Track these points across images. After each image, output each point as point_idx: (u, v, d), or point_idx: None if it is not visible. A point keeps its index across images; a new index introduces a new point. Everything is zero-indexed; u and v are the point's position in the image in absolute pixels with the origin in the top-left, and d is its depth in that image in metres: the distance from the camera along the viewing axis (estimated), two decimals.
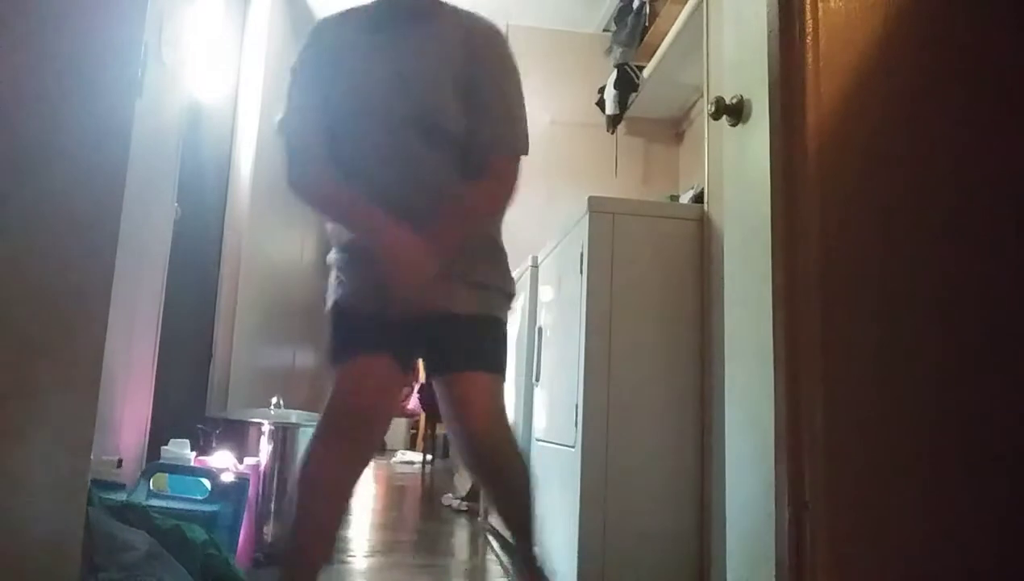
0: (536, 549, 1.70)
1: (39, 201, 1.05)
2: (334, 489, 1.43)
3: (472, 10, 1.54)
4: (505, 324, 1.62)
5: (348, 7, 1.58)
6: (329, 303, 1.56)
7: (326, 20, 1.59)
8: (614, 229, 2.14)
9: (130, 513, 1.59)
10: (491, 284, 1.57)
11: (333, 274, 1.58)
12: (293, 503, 1.44)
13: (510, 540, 2.69)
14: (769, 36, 1.20)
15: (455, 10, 1.54)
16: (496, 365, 1.57)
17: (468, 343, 1.52)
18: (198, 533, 1.63)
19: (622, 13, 3.27)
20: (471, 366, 1.52)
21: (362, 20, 1.54)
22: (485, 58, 1.49)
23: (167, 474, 1.93)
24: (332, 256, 1.60)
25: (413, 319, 1.45)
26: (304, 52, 1.57)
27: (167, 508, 1.75)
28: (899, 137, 1.02)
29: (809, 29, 1.15)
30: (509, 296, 1.63)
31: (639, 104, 3.14)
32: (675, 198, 2.73)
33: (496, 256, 1.61)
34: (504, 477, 1.67)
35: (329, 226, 1.61)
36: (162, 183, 2.29)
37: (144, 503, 1.73)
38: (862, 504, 1.02)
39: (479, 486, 1.71)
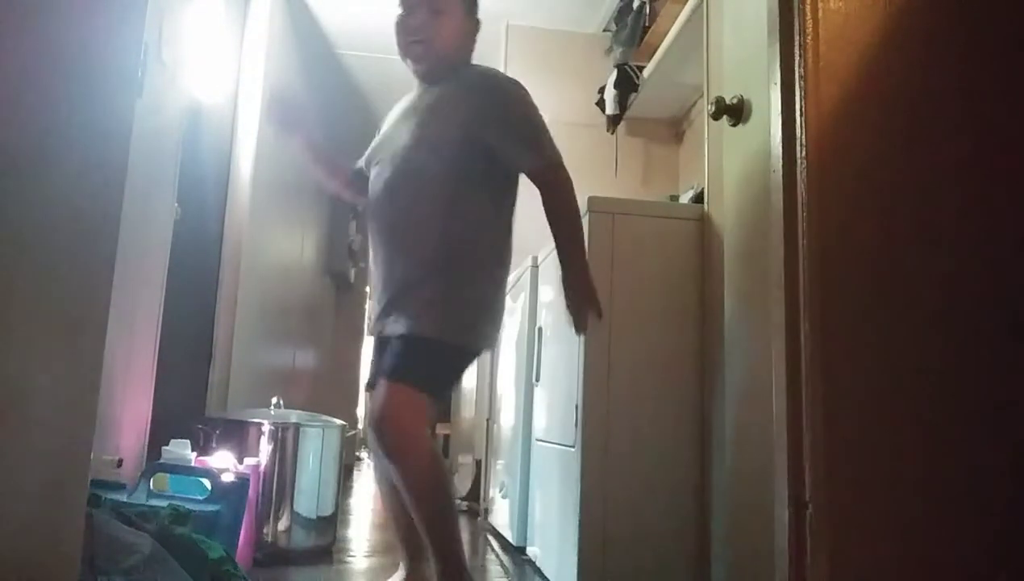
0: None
1: (39, 201, 1.05)
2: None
3: (486, 68, 1.86)
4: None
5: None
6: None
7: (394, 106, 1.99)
8: (614, 229, 2.14)
9: (143, 519, 1.58)
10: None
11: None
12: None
13: (510, 541, 2.70)
14: (769, 36, 1.20)
15: (470, 70, 1.84)
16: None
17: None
18: (215, 549, 1.62)
19: (622, 13, 3.27)
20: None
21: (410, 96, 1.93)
22: (490, 102, 1.76)
23: (167, 474, 1.93)
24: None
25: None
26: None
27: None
28: (898, 136, 1.02)
29: (809, 29, 1.15)
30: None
31: (639, 104, 3.14)
32: (675, 198, 2.73)
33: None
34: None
35: None
36: (162, 183, 2.28)
37: (152, 505, 1.73)
38: (862, 504, 1.02)
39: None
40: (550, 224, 1.74)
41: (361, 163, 1.99)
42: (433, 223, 1.74)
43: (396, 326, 1.72)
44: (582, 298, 1.68)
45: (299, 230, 4.24)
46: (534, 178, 1.76)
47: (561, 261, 1.74)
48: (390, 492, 1.82)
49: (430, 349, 1.70)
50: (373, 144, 1.94)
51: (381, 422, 1.65)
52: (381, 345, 1.81)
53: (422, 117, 1.80)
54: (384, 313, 1.78)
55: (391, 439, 1.65)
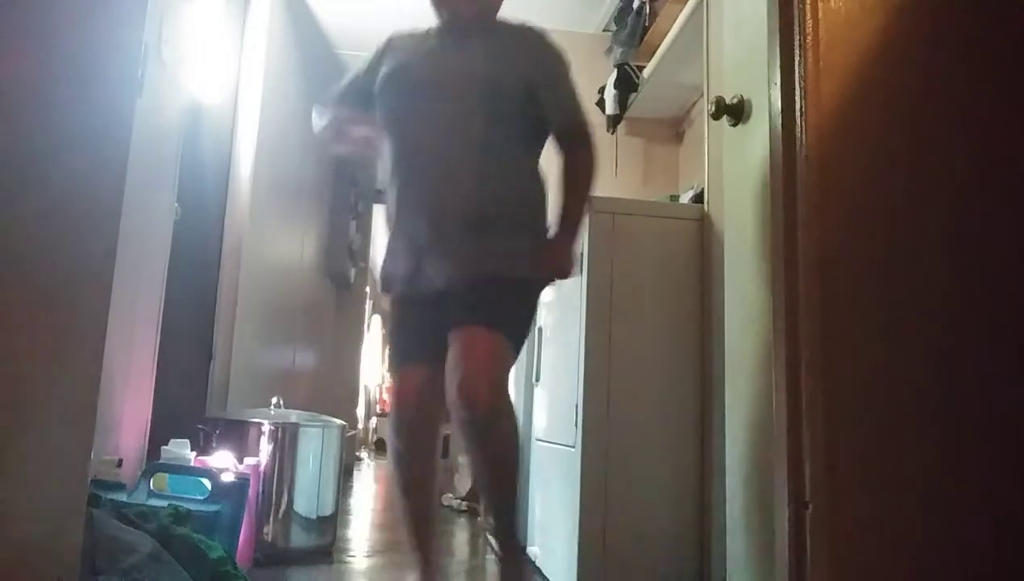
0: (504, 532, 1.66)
1: (39, 201, 1.05)
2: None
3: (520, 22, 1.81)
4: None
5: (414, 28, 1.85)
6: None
7: (397, 34, 1.87)
8: (614, 229, 2.14)
9: (143, 519, 1.59)
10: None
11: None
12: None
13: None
14: (769, 36, 1.20)
15: (509, 24, 1.81)
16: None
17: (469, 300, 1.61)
18: (215, 550, 1.62)
19: (622, 13, 3.27)
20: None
21: (432, 34, 1.82)
22: (545, 58, 1.76)
23: (167, 474, 1.93)
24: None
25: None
26: (374, 53, 1.86)
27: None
28: (899, 136, 1.02)
29: (809, 29, 1.15)
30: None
31: (639, 104, 3.14)
32: (675, 198, 2.73)
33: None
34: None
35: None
36: (162, 183, 2.28)
37: (152, 505, 1.73)
38: (862, 504, 1.02)
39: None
40: (574, 181, 1.72)
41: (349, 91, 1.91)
42: (506, 162, 1.68)
43: (483, 267, 1.59)
44: (565, 264, 1.67)
45: (299, 230, 4.24)
46: (577, 134, 1.75)
47: (566, 218, 1.68)
48: (420, 491, 1.68)
49: (525, 292, 1.66)
50: (389, 74, 1.77)
51: (486, 378, 1.51)
52: (433, 298, 1.62)
53: (485, 61, 1.72)
54: (454, 254, 1.61)
55: (493, 398, 1.52)
